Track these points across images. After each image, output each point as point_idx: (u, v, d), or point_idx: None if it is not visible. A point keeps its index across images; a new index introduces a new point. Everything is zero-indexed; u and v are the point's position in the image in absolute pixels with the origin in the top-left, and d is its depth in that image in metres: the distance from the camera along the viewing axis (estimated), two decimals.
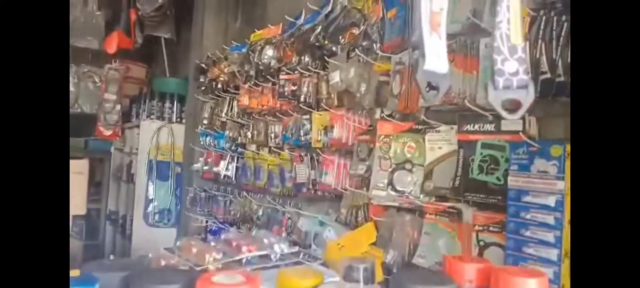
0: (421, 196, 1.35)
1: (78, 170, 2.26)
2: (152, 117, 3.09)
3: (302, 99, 1.88)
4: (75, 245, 2.23)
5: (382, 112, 1.60)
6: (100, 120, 3.17)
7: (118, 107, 3.21)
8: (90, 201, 2.93)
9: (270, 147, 2.14)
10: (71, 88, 3.19)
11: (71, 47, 3.29)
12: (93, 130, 3.27)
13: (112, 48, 3.08)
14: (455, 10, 1.31)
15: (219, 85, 2.58)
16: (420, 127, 1.41)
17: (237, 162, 2.43)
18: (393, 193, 1.41)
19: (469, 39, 1.27)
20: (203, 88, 2.75)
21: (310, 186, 1.80)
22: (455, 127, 1.28)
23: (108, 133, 3.19)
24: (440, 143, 1.33)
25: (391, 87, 1.50)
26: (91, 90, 3.28)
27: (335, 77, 1.69)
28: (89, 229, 3.52)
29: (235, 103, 2.47)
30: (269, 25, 2.21)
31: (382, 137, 1.49)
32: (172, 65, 3.65)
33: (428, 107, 1.36)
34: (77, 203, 2.23)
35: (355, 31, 1.64)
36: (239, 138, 2.41)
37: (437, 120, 1.35)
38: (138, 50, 3.40)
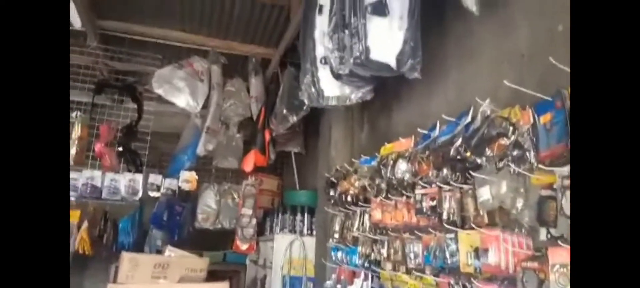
0: None
1: None
2: (284, 230, 3.18)
3: (444, 217, 1.71)
4: None
5: (549, 232, 1.35)
6: (237, 235, 3.36)
7: (254, 221, 3.38)
8: None
9: (409, 268, 1.96)
10: (213, 206, 3.48)
11: (215, 168, 3.68)
12: (231, 244, 3.46)
13: (249, 167, 3.34)
14: None
15: (349, 198, 2.55)
16: None
17: (372, 281, 2.28)
18: None
19: None
20: (332, 201, 2.76)
21: None
22: None
23: (244, 247, 3.34)
24: None
25: (560, 205, 1.27)
26: (230, 207, 3.54)
27: (485, 193, 1.51)
28: None
29: (366, 217, 2.39)
30: (400, 138, 2.15)
31: (558, 266, 1.23)
32: (302, 176, 3.81)
33: None
34: None
35: (504, 141, 1.47)
36: (373, 255, 2.28)
37: None
38: (270, 163, 3.65)
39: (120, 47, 3.68)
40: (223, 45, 3.88)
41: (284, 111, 3.08)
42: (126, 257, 2.27)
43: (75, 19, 2.78)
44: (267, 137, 3.40)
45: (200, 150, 3.44)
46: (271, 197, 4.02)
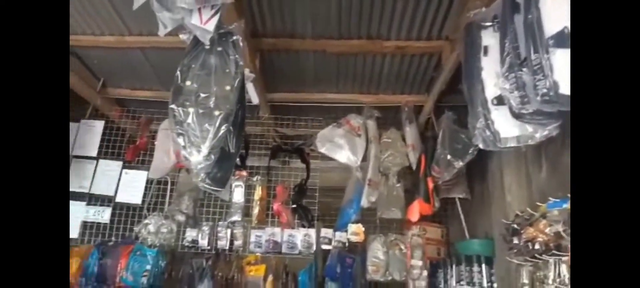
0: None
1: None
2: (461, 282, 3.01)
3: None
4: None
5: None
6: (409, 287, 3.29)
7: (425, 273, 3.29)
8: None
9: None
10: (381, 257, 3.51)
11: (379, 219, 3.73)
12: None
13: (415, 216, 3.31)
14: None
15: (538, 246, 2.30)
16: None
17: None
18: None
19: None
20: (516, 250, 2.52)
21: None
22: None
23: None
24: None
25: None
26: (398, 257, 3.52)
27: None
28: None
29: (564, 267, 2.11)
30: None
31: None
32: (470, 224, 3.60)
33: None
34: None
35: None
36: None
37: None
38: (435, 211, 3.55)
39: (286, 114, 4.12)
40: (375, 100, 4.03)
41: (448, 157, 3.01)
42: None
43: (254, 96, 3.21)
44: (430, 184, 3.35)
45: (364, 203, 3.54)
46: (437, 246, 3.88)
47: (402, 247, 3.51)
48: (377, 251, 3.51)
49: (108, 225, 3.60)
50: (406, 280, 3.36)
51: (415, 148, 3.70)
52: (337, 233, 3.49)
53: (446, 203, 3.84)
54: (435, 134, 3.61)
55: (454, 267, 3.11)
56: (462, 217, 3.61)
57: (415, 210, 3.32)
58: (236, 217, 3.49)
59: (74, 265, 3.34)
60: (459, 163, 2.95)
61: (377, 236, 3.60)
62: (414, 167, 3.58)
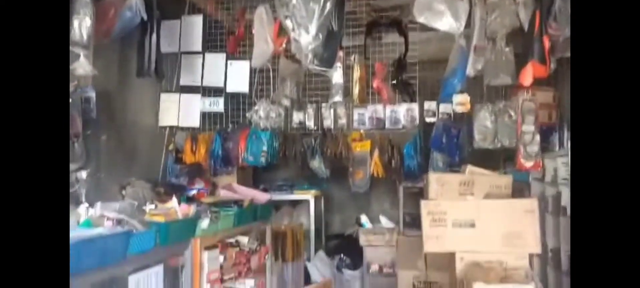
0: None
1: (529, 209, 2.32)
2: None
3: None
4: None
5: None
6: (520, 152, 3.21)
7: (537, 137, 3.16)
8: None
9: None
10: (489, 125, 3.43)
11: (486, 87, 3.56)
12: (513, 162, 3.36)
13: (528, 80, 3.07)
14: None
15: None
16: None
17: None
18: None
19: None
20: None
21: None
22: None
23: (529, 164, 3.18)
24: None
25: None
26: (508, 124, 3.41)
27: None
28: None
29: None
30: None
31: None
32: None
33: None
34: (531, 242, 2.28)
35: None
36: None
37: None
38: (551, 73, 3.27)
39: None
40: None
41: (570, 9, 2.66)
42: (433, 177, 2.50)
43: None
44: (546, 44, 3.03)
45: (470, 71, 3.37)
46: (548, 110, 3.67)
47: (512, 113, 3.36)
48: (484, 119, 3.42)
49: (223, 113, 3.92)
50: (517, 146, 3.26)
51: (527, 6, 3.31)
52: (442, 105, 3.44)
53: (558, 64, 3.51)
54: None
55: (566, 130, 2.93)
56: None
57: (529, 73, 3.06)
58: (337, 98, 3.57)
59: (202, 149, 3.79)
60: None
61: (484, 105, 3.48)
62: (526, 27, 3.25)
